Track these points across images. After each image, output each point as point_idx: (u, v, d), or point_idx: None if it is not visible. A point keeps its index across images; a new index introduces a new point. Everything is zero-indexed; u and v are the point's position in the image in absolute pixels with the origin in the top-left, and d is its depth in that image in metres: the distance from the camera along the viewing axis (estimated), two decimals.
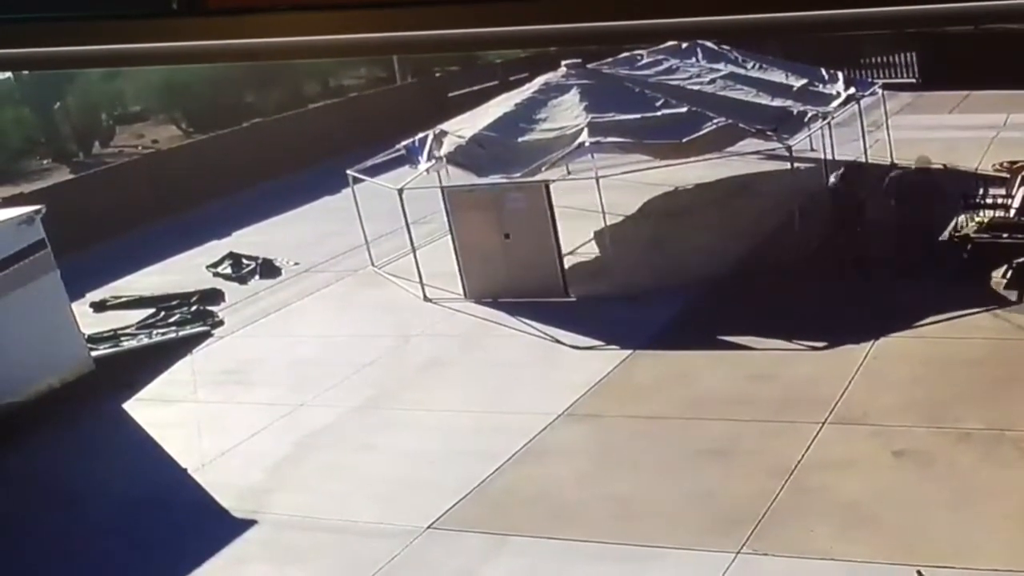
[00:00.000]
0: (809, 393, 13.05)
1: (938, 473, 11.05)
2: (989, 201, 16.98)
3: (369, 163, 20.62)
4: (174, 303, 19.92)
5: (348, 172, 20.58)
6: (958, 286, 15.26)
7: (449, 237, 18.22)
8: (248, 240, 23.52)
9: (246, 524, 12.01)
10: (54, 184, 28.59)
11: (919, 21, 1.47)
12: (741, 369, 14.07)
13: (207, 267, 22.02)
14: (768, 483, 11.13)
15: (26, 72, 31.80)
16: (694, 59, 22.41)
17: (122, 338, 18.64)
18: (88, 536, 12.35)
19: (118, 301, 20.71)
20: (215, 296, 20.25)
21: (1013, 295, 14.81)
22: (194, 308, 19.58)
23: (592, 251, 19.46)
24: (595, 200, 17.43)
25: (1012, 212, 16.58)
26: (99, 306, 20.52)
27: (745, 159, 21.17)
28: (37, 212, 16.40)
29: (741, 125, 18.44)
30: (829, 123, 20.76)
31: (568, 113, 18.67)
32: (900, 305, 14.97)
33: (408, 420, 14.11)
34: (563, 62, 20.56)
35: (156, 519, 12.45)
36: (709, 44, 22.60)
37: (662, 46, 22.22)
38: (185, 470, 13.52)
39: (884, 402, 12.57)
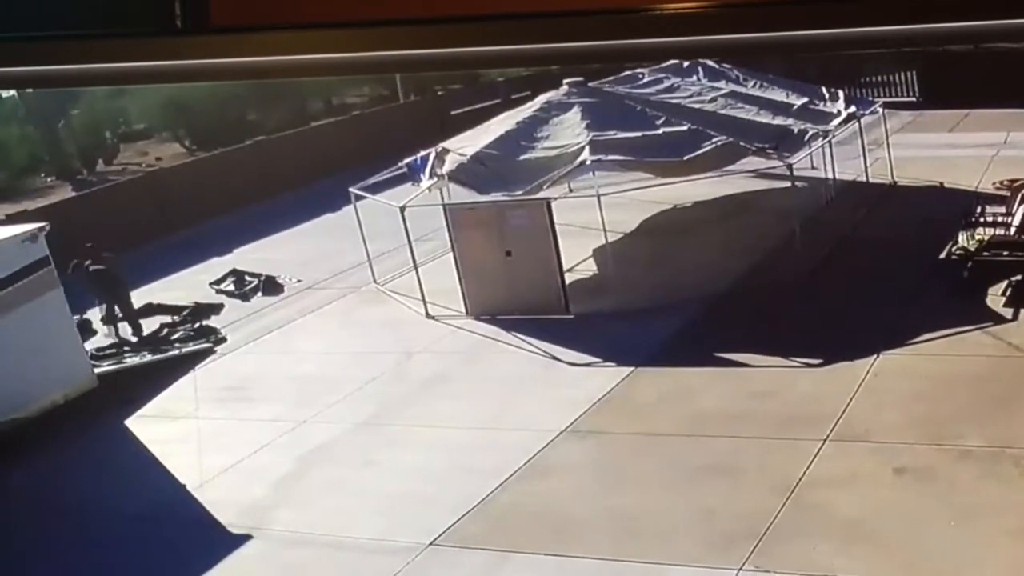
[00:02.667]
0: (810, 410, 13.05)
1: (939, 490, 11.04)
2: (989, 219, 17.01)
3: (371, 181, 20.68)
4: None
5: (350, 190, 20.64)
6: (956, 303, 15.28)
7: (451, 254, 18.25)
8: (251, 257, 23.54)
9: (247, 540, 12.01)
10: (58, 201, 28.63)
11: (920, 40, 1.49)
12: (742, 386, 14.07)
13: (210, 284, 22.05)
14: (770, 500, 11.13)
15: (31, 90, 31.89)
16: (695, 77, 22.49)
17: (125, 354, 18.66)
18: (88, 552, 12.36)
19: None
20: (208, 310, 20.30)
21: (1009, 313, 14.83)
22: (196, 325, 19.62)
23: (591, 268, 19.48)
24: (596, 217, 17.47)
25: (1012, 230, 16.59)
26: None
27: (745, 177, 21.21)
28: (41, 229, 16.45)
29: (742, 143, 18.49)
30: (830, 141, 20.79)
31: (570, 131, 18.73)
32: (898, 322, 14.98)
33: (410, 437, 14.11)
34: (565, 80, 20.64)
35: (156, 535, 12.45)
36: (710, 63, 22.67)
37: (663, 65, 22.29)
38: (186, 486, 13.52)
39: (885, 419, 12.57)
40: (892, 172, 22.21)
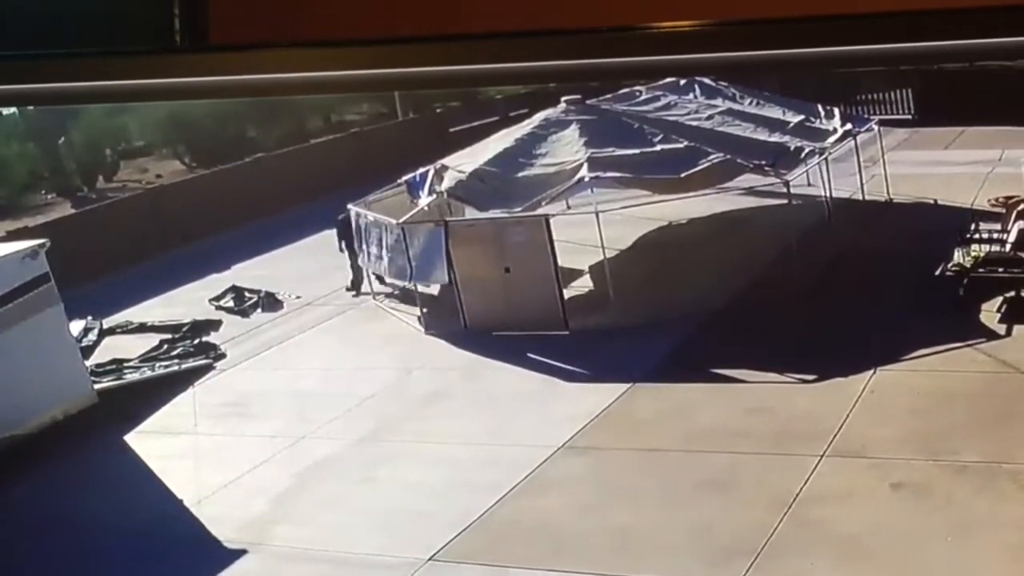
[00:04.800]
0: (807, 426, 13.07)
1: (936, 505, 11.06)
2: (985, 236, 17.07)
3: (371, 197, 20.72)
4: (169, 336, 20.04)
5: (349, 206, 20.68)
6: (952, 320, 15.31)
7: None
8: (250, 273, 23.55)
9: (246, 556, 12.01)
10: (58, 218, 28.66)
11: (915, 58, 1.50)
12: (740, 402, 14.09)
13: (210, 300, 22.07)
14: (767, 515, 11.14)
15: (31, 107, 31.97)
16: (692, 95, 22.56)
17: (125, 370, 18.68)
18: (86, 568, 12.36)
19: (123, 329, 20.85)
20: (208, 326, 20.35)
21: (1003, 329, 14.87)
22: (195, 341, 19.64)
23: (588, 284, 19.49)
24: (593, 234, 17.51)
25: (1007, 247, 16.65)
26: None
27: (742, 194, 21.26)
28: (41, 246, 16.49)
29: (739, 160, 18.56)
30: (826, 159, 20.86)
31: (568, 148, 18.80)
32: (894, 338, 15.00)
33: (409, 452, 14.12)
34: (563, 98, 20.72)
35: (155, 551, 12.45)
36: (707, 80, 22.76)
37: (660, 82, 22.38)
38: (185, 502, 13.51)
39: (881, 435, 12.59)
40: (888, 189, 22.26)
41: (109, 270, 24.22)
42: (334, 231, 21.74)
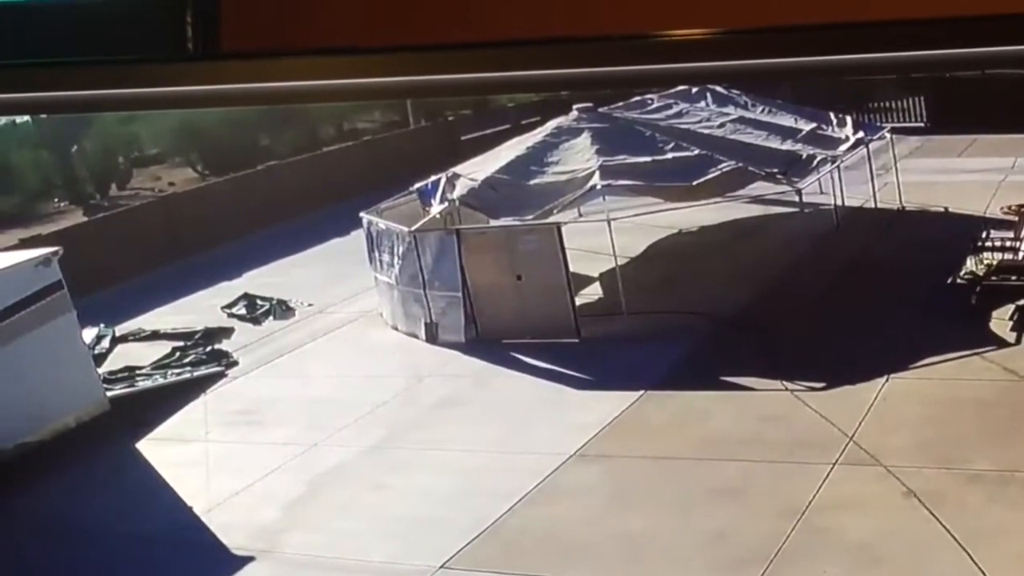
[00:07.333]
0: (819, 434, 13.03)
1: (948, 514, 11.02)
2: (998, 244, 17.03)
3: (382, 205, 20.76)
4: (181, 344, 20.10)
5: (361, 214, 20.71)
6: (964, 328, 15.26)
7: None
8: (262, 281, 23.61)
9: (256, 563, 12.03)
10: (71, 226, 28.77)
11: (927, 66, 1.51)
12: (751, 410, 14.06)
13: (222, 308, 22.12)
14: (779, 523, 11.12)
15: (44, 116, 32.12)
16: (704, 103, 22.56)
17: (137, 378, 18.74)
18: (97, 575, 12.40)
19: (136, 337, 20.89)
20: (220, 333, 20.41)
21: (1014, 337, 14.82)
22: (207, 348, 19.69)
23: (598, 292, 19.48)
24: (604, 242, 17.50)
25: (1020, 255, 16.60)
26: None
27: (753, 202, 21.23)
28: (54, 254, 16.56)
29: (750, 168, 18.55)
30: (838, 167, 20.82)
31: (579, 156, 18.81)
32: (906, 346, 14.96)
33: (421, 460, 14.13)
34: (575, 106, 20.74)
35: (167, 558, 12.48)
36: (719, 88, 22.76)
37: (672, 90, 22.38)
38: (196, 509, 13.54)
39: (894, 443, 12.55)
40: (900, 197, 22.21)
41: (122, 278, 24.28)
42: (345, 239, 21.69)
